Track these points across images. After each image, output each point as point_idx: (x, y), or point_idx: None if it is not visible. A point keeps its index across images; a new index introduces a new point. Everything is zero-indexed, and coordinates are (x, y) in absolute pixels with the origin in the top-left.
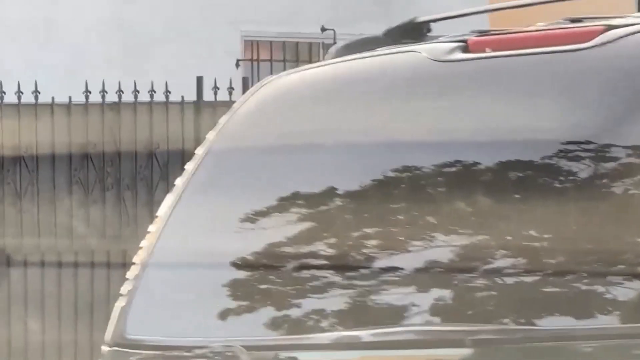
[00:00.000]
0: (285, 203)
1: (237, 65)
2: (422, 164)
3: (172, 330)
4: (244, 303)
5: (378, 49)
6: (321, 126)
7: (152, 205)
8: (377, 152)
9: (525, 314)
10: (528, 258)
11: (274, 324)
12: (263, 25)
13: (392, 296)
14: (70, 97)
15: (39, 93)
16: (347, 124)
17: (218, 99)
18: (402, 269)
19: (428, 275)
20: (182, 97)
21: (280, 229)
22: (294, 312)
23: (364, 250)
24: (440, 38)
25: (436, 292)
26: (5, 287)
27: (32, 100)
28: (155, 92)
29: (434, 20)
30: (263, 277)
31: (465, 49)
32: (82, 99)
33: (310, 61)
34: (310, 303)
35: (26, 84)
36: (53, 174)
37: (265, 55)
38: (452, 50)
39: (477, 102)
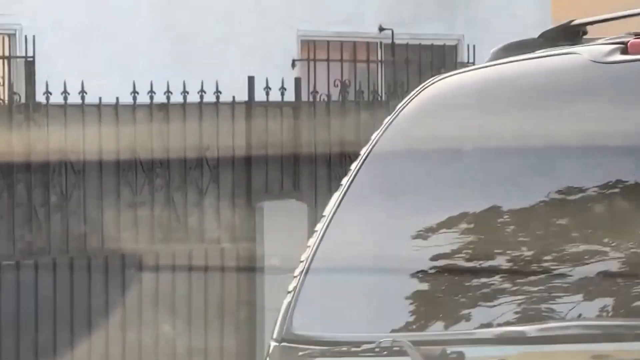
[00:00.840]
0: (447, 206)
1: (293, 65)
2: (593, 168)
3: (339, 326)
4: (410, 300)
5: (537, 51)
6: (486, 129)
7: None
8: (547, 155)
9: None
10: None
11: (440, 320)
12: (320, 25)
13: (556, 292)
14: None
15: (86, 93)
16: (512, 127)
17: (271, 99)
18: (565, 267)
19: (591, 271)
20: (233, 97)
21: (442, 231)
22: (459, 309)
23: (526, 250)
24: (598, 40)
25: (600, 288)
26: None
27: (78, 100)
28: (205, 92)
29: (591, 23)
30: (427, 276)
31: (624, 51)
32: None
33: (368, 61)
34: (474, 300)
35: (77, 85)
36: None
37: (322, 55)
38: (612, 52)
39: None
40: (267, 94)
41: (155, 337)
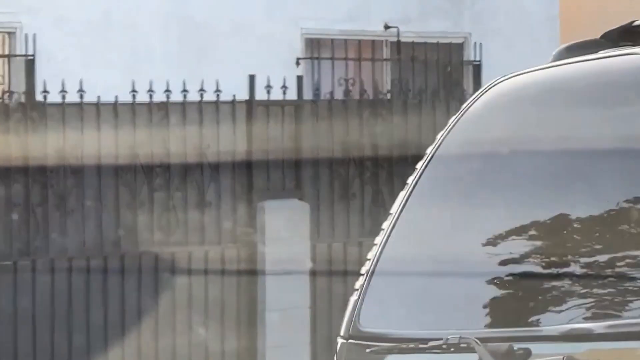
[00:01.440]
0: (513, 206)
1: (298, 63)
2: None
3: (406, 323)
4: (476, 297)
5: (599, 52)
6: (553, 129)
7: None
8: (613, 156)
9: None
10: None
11: (507, 317)
12: (324, 23)
13: (623, 291)
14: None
15: (85, 92)
16: (579, 128)
17: (274, 97)
18: (630, 265)
19: None
20: (234, 96)
21: (508, 231)
22: (526, 306)
23: (592, 250)
24: None
25: None
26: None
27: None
28: (205, 91)
29: None
30: (493, 275)
31: None
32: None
33: (373, 59)
34: (541, 297)
35: (85, 81)
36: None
37: (327, 53)
38: None
39: None
40: (268, 92)
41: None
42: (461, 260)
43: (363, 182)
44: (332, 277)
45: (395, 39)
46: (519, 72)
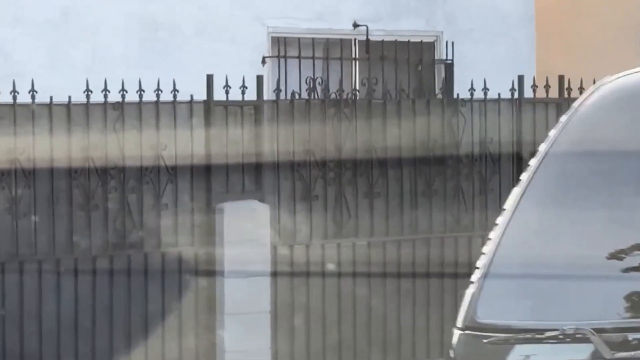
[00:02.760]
0: (628, 204)
1: (264, 62)
2: None
3: (522, 314)
4: (591, 289)
5: None
6: None
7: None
8: None
9: None
10: None
11: (621, 308)
12: (292, 22)
13: None
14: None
15: (37, 92)
16: None
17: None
18: None
19: None
20: (191, 96)
21: (623, 225)
22: None
23: None
24: None
25: None
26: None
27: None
28: (162, 91)
29: None
30: (607, 267)
31: None
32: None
33: (341, 58)
34: None
35: (44, 82)
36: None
37: (294, 52)
38: None
39: None
40: (227, 92)
41: None
42: (576, 254)
43: (326, 183)
44: (294, 280)
45: (364, 38)
46: (627, 72)
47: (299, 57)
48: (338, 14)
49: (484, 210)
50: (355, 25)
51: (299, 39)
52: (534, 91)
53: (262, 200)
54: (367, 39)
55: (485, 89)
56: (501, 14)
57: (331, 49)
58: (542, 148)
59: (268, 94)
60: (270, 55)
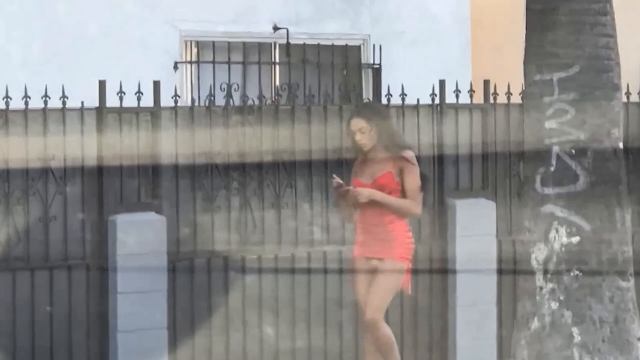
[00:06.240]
0: None
1: (176, 67)
2: None
3: None
4: None
5: None
6: None
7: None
8: None
9: None
10: None
11: None
12: (206, 25)
13: None
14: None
15: None
16: None
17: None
18: None
19: None
20: (82, 102)
21: None
22: None
23: None
24: None
25: None
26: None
27: None
28: (49, 97)
29: None
30: None
31: None
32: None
33: (259, 62)
34: None
35: None
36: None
37: (208, 57)
38: None
39: None
40: (121, 99)
41: None
42: None
43: (230, 193)
44: (193, 296)
45: (285, 41)
46: None
47: (213, 62)
48: (256, 17)
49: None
50: (276, 29)
51: (213, 42)
52: (457, 96)
53: (158, 211)
54: (288, 43)
55: (403, 95)
56: (433, 16)
57: (249, 53)
58: None
59: (185, 101)
60: (183, 60)
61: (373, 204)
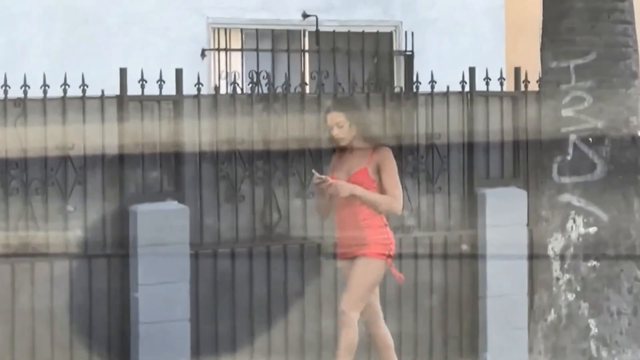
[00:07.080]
0: None
1: (203, 55)
2: None
3: None
4: None
5: None
6: None
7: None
8: None
9: None
10: None
11: None
12: (233, 12)
13: None
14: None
15: None
16: None
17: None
18: None
19: None
20: (102, 91)
21: None
22: None
23: None
24: None
25: None
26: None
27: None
28: (69, 85)
29: None
30: None
31: None
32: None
33: (288, 50)
34: None
35: None
36: None
37: (237, 44)
38: None
39: None
40: (142, 87)
41: None
42: None
43: (253, 182)
44: (216, 287)
45: (314, 29)
46: None
47: (241, 49)
48: (285, 4)
49: (432, 208)
50: (305, 16)
51: (242, 29)
52: (487, 84)
53: (181, 201)
54: (317, 30)
55: (433, 82)
56: (466, 2)
57: (278, 41)
58: None
59: (209, 90)
60: (210, 47)
61: (347, 203)
